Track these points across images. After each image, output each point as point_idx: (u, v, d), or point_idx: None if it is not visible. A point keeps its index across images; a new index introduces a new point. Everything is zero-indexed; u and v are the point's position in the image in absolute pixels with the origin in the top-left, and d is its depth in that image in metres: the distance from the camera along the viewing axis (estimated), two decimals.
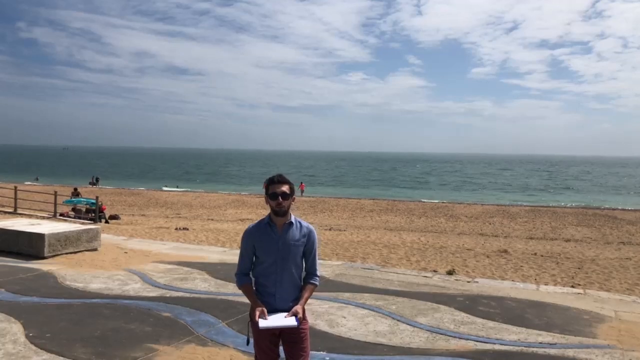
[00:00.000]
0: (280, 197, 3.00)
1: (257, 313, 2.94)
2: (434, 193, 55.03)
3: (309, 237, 3.11)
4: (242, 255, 3.15)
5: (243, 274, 3.14)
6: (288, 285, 3.07)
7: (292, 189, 3.08)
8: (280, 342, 3.11)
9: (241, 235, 3.26)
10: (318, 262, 3.22)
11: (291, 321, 2.94)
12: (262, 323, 2.91)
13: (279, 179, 3.06)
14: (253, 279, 3.15)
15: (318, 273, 3.19)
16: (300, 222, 3.12)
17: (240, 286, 3.13)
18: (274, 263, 3.05)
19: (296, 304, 3.04)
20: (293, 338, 3.06)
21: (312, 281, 3.14)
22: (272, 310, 3.01)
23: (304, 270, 3.17)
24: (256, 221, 3.19)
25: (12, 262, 8.42)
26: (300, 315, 2.98)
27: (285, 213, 3.04)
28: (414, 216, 27.64)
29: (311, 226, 3.17)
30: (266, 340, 3.04)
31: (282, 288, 3.06)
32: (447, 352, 4.88)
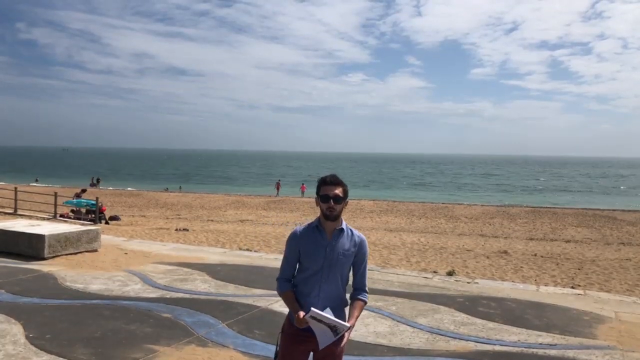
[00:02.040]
0: (332, 201, 2.76)
1: (301, 314, 2.70)
2: (434, 194, 55.06)
3: (360, 248, 2.87)
4: (286, 259, 2.90)
5: (285, 280, 2.89)
6: (332, 298, 2.81)
7: (346, 192, 2.82)
8: None
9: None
10: (367, 277, 2.98)
11: (343, 323, 2.69)
12: (314, 312, 2.63)
13: (332, 180, 2.80)
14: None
15: (367, 289, 2.95)
16: (351, 230, 2.88)
17: (281, 293, 2.88)
18: (319, 271, 2.80)
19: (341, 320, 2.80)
20: (329, 357, 2.80)
21: (361, 297, 2.90)
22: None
23: (350, 284, 2.92)
24: (304, 224, 2.95)
25: (12, 263, 8.42)
26: (352, 324, 2.76)
27: (336, 218, 2.79)
28: (414, 217, 27.63)
29: (363, 236, 2.93)
30: (297, 352, 2.81)
31: (326, 300, 2.79)
32: (447, 353, 4.88)
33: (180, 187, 54.75)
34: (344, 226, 2.85)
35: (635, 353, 4.96)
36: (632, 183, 79.22)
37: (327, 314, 2.67)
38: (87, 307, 6.07)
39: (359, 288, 2.92)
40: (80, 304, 6.19)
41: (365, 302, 2.93)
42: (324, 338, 2.70)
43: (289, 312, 2.87)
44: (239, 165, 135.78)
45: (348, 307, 2.92)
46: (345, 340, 2.79)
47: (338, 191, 2.78)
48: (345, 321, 2.77)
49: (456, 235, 20.00)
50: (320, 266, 2.80)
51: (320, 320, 2.65)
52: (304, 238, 2.84)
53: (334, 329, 2.68)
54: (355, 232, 2.90)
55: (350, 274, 2.94)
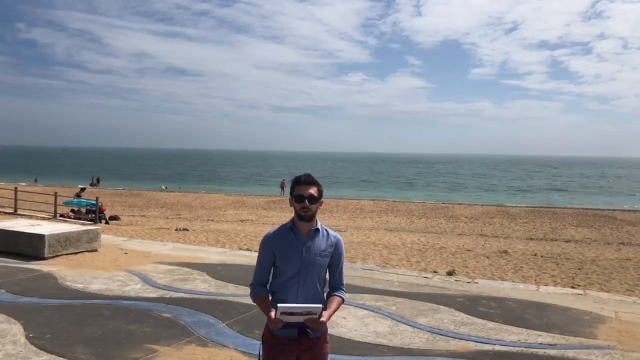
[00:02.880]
0: (307, 200, 2.69)
1: (272, 315, 2.59)
2: (434, 194, 55.10)
3: (336, 247, 2.80)
4: (260, 263, 2.81)
5: (259, 285, 2.80)
6: (310, 301, 2.71)
7: (320, 192, 2.76)
8: None
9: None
10: (344, 276, 2.90)
11: (315, 305, 2.60)
12: (282, 307, 2.54)
13: (307, 180, 2.73)
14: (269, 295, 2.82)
15: (344, 287, 2.87)
16: (327, 230, 2.82)
17: (255, 298, 2.78)
18: (296, 274, 2.72)
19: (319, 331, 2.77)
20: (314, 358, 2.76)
21: (338, 294, 2.82)
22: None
23: (327, 284, 2.86)
24: (277, 226, 2.86)
25: (12, 263, 8.42)
26: (325, 319, 2.64)
27: (311, 218, 2.72)
28: (414, 217, 27.63)
29: (338, 235, 2.86)
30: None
31: (305, 303, 2.69)
32: (447, 352, 4.88)
33: (180, 187, 54.75)
34: (319, 226, 2.79)
35: (635, 353, 4.96)
36: (632, 183, 79.26)
37: (296, 304, 2.60)
38: (87, 307, 6.07)
39: (336, 287, 2.85)
40: (80, 304, 6.19)
41: (343, 299, 2.85)
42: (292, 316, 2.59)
43: (267, 320, 2.75)
44: (239, 165, 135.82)
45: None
46: (326, 318, 2.65)
47: (312, 191, 2.72)
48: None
49: (456, 235, 20.00)
50: (297, 269, 2.72)
51: (292, 313, 2.57)
52: (278, 240, 2.76)
53: (309, 315, 2.59)
54: (331, 231, 2.84)
55: (327, 274, 2.88)
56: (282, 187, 45.47)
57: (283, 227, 2.80)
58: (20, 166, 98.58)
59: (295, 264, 2.72)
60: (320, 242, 2.77)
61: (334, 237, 2.83)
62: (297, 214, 2.74)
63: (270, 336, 2.74)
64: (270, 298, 2.79)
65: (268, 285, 2.83)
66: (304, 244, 2.74)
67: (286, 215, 27.34)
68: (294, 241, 2.74)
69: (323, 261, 2.77)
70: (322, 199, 2.79)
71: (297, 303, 2.66)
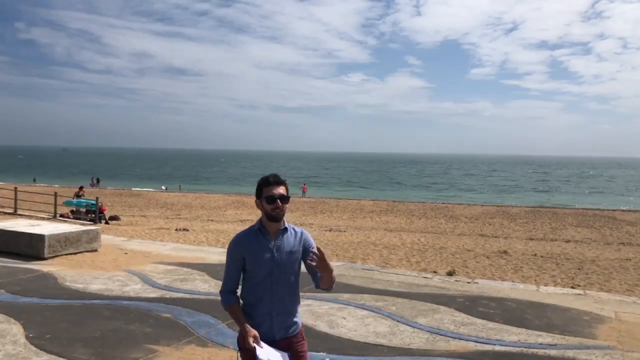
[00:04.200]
0: (279, 200, 2.65)
1: (251, 339, 2.53)
2: (434, 194, 55.13)
3: (305, 241, 2.77)
4: (229, 269, 2.73)
5: (230, 292, 2.72)
6: (284, 302, 2.69)
7: (288, 190, 2.73)
8: None
9: None
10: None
11: None
12: (260, 354, 2.47)
13: (275, 180, 2.69)
14: (241, 301, 2.75)
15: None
16: (293, 228, 2.79)
17: (226, 307, 2.70)
18: (269, 275, 2.66)
19: (297, 324, 2.75)
20: None
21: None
22: (269, 340, 2.62)
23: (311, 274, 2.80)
24: (243, 229, 2.80)
25: (12, 263, 8.43)
26: (330, 267, 2.63)
27: (282, 218, 2.70)
28: (414, 217, 27.63)
29: (303, 229, 2.84)
30: None
31: (279, 305, 2.68)
32: (447, 353, 4.88)
33: (180, 187, 54.73)
34: (286, 225, 2.75)
35: (635, 353, 4.96)
36: (632, 183, 79.25)
37: (274, 357, 2.55)
38: (87, 307, 6.07)
39: None
40: (80, 304, 6.19)
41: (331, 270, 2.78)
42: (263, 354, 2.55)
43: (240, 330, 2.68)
44: (238, 165, 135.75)
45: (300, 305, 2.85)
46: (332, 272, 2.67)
47: (282, 190, 2.69)
48: (300, 322, 2.76)
49: (456, 235, 20.00)
50: (270, 269, 2.67)
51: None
52: (247, 243, 2.70)
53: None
54: (297, 228, 2.81)
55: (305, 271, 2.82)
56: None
57: (250, 230, 2.75)
58: (19, 166, 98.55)
59: (267, 265, 2.67)
60: (290, 240, 2.73)
61: (300, 232, 2.79)
62: (267, 215, 2.68)
63: (245, 343, 2.66)
64: (242, 303, 2.74)
65: (239, 290, 2.77)
66: (274, 244, 2.69)
67: (286, 215, 27.32)
68: (263, 242, 2.69)
69: (295, 259, 2.73)
70: (289, 197, 2.75)
71: (273, 304, 2.66)
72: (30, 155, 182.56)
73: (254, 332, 2.57)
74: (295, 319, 2.77)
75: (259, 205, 2.72)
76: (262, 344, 2.56)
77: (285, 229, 2.75)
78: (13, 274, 7.62)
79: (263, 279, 2.67)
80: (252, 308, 2.70)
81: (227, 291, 2.73)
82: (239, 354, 2.72)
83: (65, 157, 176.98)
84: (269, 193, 2.67)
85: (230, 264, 2.73)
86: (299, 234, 2.78)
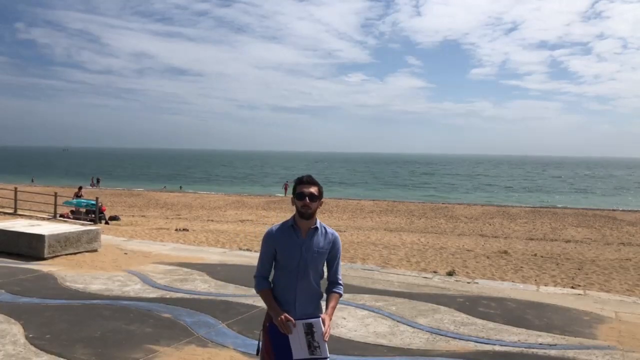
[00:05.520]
0: (307, 198, 2.85)
1: (283, 317, 2.78)
2: (433, 194, 55.12)
3: (334, 244, 2.96)
4: (262, 257, 2.99)
5: (263, 278, 2.98)
6: (308, 293, 2.92)
7: (321, 192, 2.93)
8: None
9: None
10: (340, 270, 3.08)
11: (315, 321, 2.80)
12: (297, 354, 2.76)
13: (308, 180, 2.92)
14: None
15: (341, 282, 3.04)
16: (325, 228, 2.97)
17: (259, 291, 2.97)
18: (296, 269, 2.89)
19: (316, 313, 2.91)
20: None
21: (336, 290, 2.99)
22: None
23: (325, 278, 3.01)
24: (279, 222, 3.03)
25: (12, 263, 8.42)
26: (328, 324, 2.83)
27: (311, 216, 2.89)
28: (414, 217, 27.64)
29: (336, 233, 3.02)
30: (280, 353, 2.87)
31: (302, 295, 2.91)
32: (447, 353, 4.88)
33: (180, 187, 54.72)
34: (318, 225, 2.94)
35: (635, 353, 4.96)
36: (632, 183, 79.25)
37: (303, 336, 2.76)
38: (87, 307, 6.06)
39: (334, 281, 3.01)
40: (80, 304, 6.19)
41: (341, 295, 3.02)
42: (299, 351, 2.78)
43: (268, 310, 2.95)
44: (238, 165, 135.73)
45: (324, 300, 3.01)
46: (326, 328, 2.81)
47: (313, 190, 2.88)
48: (321, 313, 2.91)
49: (456, 235, 20.00)
50: (296, 264, 2.88)
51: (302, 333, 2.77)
52: (279, 237, 2.93)
53: (310, 345, 2.78)
54: (329, 229, 2.99)
55: (325, 268, 3.03)
56: (285, 188, 45.72)
57: (285, 224, 2.96)
58: (19, 167, 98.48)
59: (295, 260, 2.88)
60: (319, 240, 2.92)
61: (332, 234, 2.98)
62: (298, 211, 2.90)
63: (271, 324, 2.90)
64: (272, 287, 2.97)
65: (270, 277, 2.99)
66: (304, 242, 2.89)
67: (286, 215, 27.32)
68: (294, 238, 2.90)
69: (321, 257, 2.93)
70: (322, 199, 2.95)
71: (296, 295, 2.87)
72: (30, 156, 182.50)
73: (284, 314, 2.80)
74: (316, 311, 2.94)
75: (293, 201, 2.94)
76: (293, 321, 2.77)
77: (316, 229, 2.93)
78: (13, 274, 7.62)
79: (290, 271, 2.90)
80: (278, 296, 2.93)
81: (260, 277, 2.98)
82: (261, 332, 2.97)
83: (65, 157, 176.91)
84: (300, 190, 2.89)
85: (263, 254, 2.98)
86: (329, 236, 2.96)
